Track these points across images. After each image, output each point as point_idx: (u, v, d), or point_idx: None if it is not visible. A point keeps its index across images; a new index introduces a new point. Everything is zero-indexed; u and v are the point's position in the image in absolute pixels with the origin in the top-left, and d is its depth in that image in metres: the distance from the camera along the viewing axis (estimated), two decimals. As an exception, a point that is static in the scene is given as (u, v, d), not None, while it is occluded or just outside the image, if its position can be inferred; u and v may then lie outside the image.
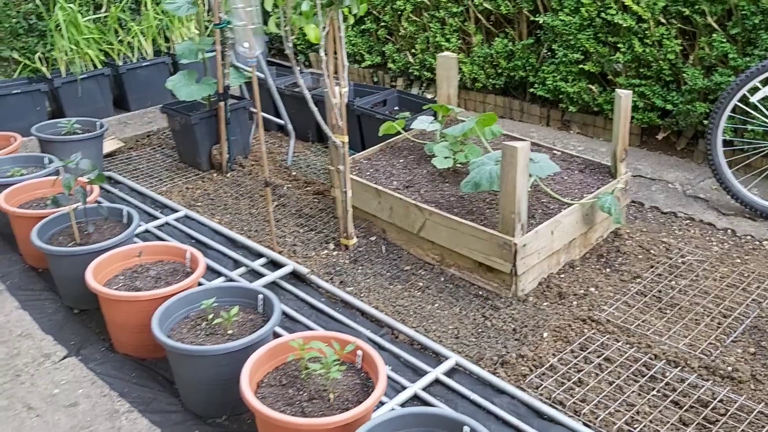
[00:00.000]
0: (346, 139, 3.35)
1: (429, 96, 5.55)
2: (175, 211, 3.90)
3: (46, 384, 2.57)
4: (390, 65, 5.72)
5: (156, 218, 3.80)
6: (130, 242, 3.09)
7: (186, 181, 4.38)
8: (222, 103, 4.28)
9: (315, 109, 3.31)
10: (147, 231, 3.63)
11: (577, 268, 3.30)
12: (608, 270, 3.29)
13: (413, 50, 5.50)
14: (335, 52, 3.20)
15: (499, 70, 4.97)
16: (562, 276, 3.25)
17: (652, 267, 3.28)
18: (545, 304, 3.06)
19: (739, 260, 3.30)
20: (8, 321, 2.97)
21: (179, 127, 4.49)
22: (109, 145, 4.74)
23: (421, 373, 2.60)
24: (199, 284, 2.86)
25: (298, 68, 3.15)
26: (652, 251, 3.41)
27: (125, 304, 2.63)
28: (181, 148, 4.61)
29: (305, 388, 2.20)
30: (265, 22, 3.02)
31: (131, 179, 4.39)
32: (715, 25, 3.84)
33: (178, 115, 4.42)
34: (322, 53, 3.11)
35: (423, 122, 3.87)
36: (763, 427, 2.31)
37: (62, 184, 2.95)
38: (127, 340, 2.72)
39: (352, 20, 3.31)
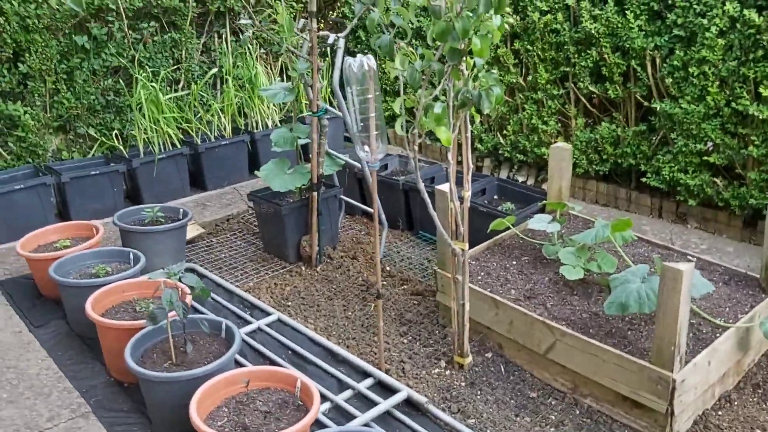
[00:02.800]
0: (466, 246, 3.00)
1: (520, 179, 5.22)
2: (265, 313, 3.59)
3: None
4: (477, 145, 5.42)
5: (246, 321, 3.50)
6: (231, 365, 2.76)
7: (273, 275, 4.07)
8: (315, 193, 4.00)
9: (434, 214, 2.98)
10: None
11: (735, 403, 2.86)
12: (771, 405, 2.85)
13: (504, 131, 5.20)
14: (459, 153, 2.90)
15: (604, 156, 4.62)
16: (720, 413, 2.81)
17: (824, 404, 2.82)
18: (706, 450, 2.62)
19: None
20: (95, 453, 2.65)
21: (266, 216, 4.22)
22: (189, 232, 4.49)
23: None
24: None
25: (416, 163, 2.81)
26: (819, 382, 2.95)
27: (236, 453, 2.29)
28: (267, 237, 4.33)
29: None
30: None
31: (214, 271, 4.11)
32: None
33: (266, 204, 4.16)
34: (449, 157, 2.81)
35: (541, 222, 3.51)
36: None
37: (163, 300, 2.65)
38: (233, 490, 2.36)
39: (478, 119, 3.02)
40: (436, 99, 2.61)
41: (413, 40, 2.71)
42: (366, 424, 2.71)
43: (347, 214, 4.84)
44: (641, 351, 2.77)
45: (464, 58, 2.58)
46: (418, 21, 5.23)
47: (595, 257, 3.23)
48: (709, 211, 4.26)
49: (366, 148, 2.77)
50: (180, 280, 2.73)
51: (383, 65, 2.68)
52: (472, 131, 5.42)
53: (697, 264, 3.41)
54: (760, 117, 3.73)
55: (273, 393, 2.63)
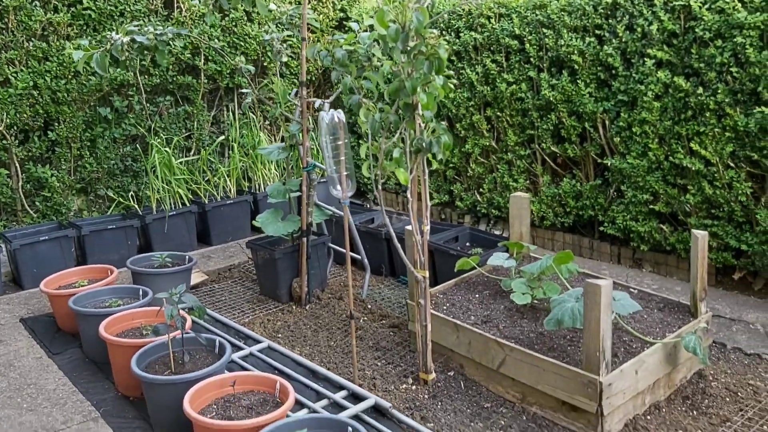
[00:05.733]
0: (426, 273, 3.48)
1: (496, 232, 5.72)
2: (258, 341, 4.04)
3: None
4: (458, 203, 5.95)
5: (240, 348, 3.94)
6: (222, 372, 3.21)
7: (267, 313, 4.55)
8: (305, 239, 4.52)
9: (398, 246, 3.49)
10: (232, 361, 3.75)
11: (663, 410, 3.24)
12: (695, 413, 3.22)
13: (481, 189, 5.74)
14: (419, 194, 3.42)
15: (568, 209, 5.13)
16: (649, 418, 3.19)
17: (740, 410, 3.20)
18: (633, 446, 3.00)
19: (834, 405, 3.20)
20: (103, 448, 3.07)
21: (262, 261, 4.72)
22: (194, 278, 4.99)
23: None
24: (287, 416, 2.93)
25: (382, 208, 3.35)
26: (739, 394, 3.33)
27: (221, 434, 2.71)
28: (263, 281, 4.82)
29: None
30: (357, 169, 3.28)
31: (215, 310, 4.59)
32: (785, 169, 3.95)
33: (262, 250, 4.67)
34: (408, 194, 3.33)
35: (499, 258, 3.99)
36: None
37: (165, 314, 3.14)
38: (218, 470, 2.77)
39: (435, 164, 3.56)
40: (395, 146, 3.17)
41: (379, 102, 3.29)
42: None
43: (336, 263, 5.33)
44: (577, 362, 3.19)
45: (417, 112, 3.15)
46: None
47: (542, 286, 3.70)
48: (661, 255, 4.72)
49: (338, 187, 3.31)
50: (179, 299, 3.22)
51: (357, 119, 3.24)
52: (451, 190, 5.98)
53: (637, 295, 3.85)
54: (693, 169, 4.25)
55: (256, 394, 3.07)
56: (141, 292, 4.16)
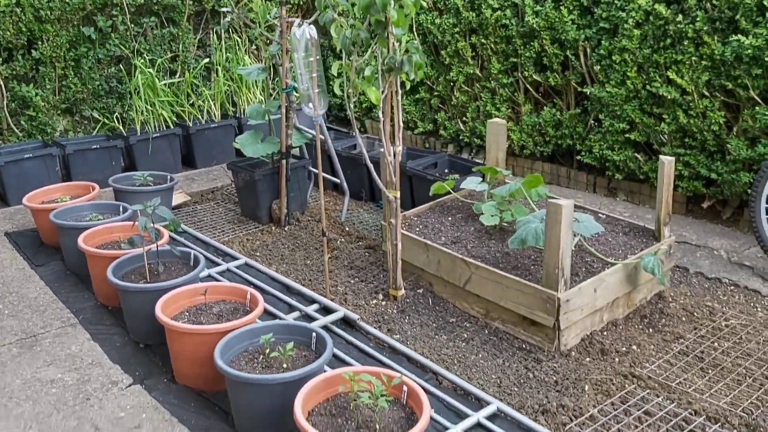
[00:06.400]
0: (398, 194, 3.56)
1: (478, 161, 5.77)
2: (235, 259, 4.15)
3: (113, 408, 2.77)
4: (441, 132, 5.98)
5: (218, 265, 4.05)
6: (195, 283, 3.32)
7: (246, 233, 4.65)
8: (284, 162, 4.57)
9: (371, 166, 3.55)
10: (209, 276, 3.87)
11: (620, 327, 3.38)
12: (651, 330, 3.36)
13: (464, 118, 5.76)
14: (392, 115, 3.46)
15: (547, 138, 5.17)
16: (605, 333, 3.33)
17: (695, 329, 3.33)
18: (587, 359, 3.13)
19: (783, 325, 3.33)
20: (80, 351, 3.21)
21: (243, 183, 4.79)
22: (177, 198, 5.07)
23: (463, 416, 2.70)
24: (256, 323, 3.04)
25: (356, 131, 3.40)
26: (695, 314, 3.46)
27: (190, 336, 2.84)
28: (244, 202, 4.91)
29: (353, 418, 2.33)
30: (329, 87, 3.32)
31: (196, 229, 4.68)
32: (758, 99, 3.98)
33: (243, 172, 4.73)
34: (380, 114, 3.37)
35: (472, 183, 4.06)
36: (804, 484, 2.32)
37: (139, 226, 3.22)
38: (188, 372, 2.91)
39: (408, 85, 3.59)
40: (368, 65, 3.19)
41: (352, 19, 3.28)
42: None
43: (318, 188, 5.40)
44: (538, 280, 3.30)
45: (389, 30, 3.15)
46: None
47: (510, 208, 3.78)
48: (635, 184, 4.80)
49: (311, 104, 3.34)
50: (154, 211, 3.29)
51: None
52: (435, 119, 5.99)
53: (605, 219, 3.95)
54: (669, 97, 4.27)
55: (227, 303, 3.18)
56: (121, 208, 4.24)
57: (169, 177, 4.80)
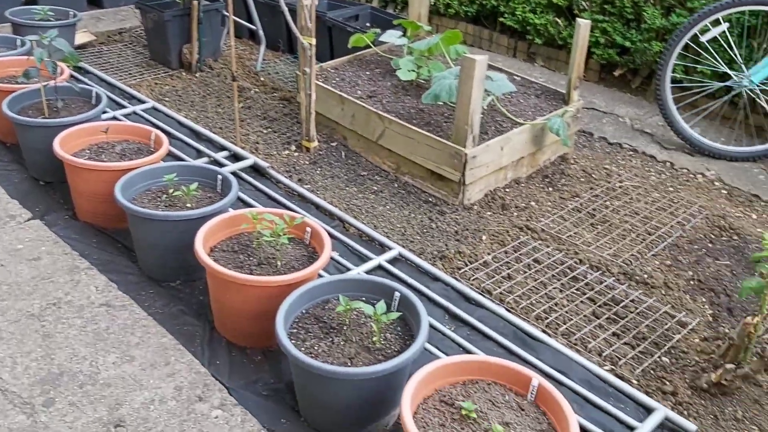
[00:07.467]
0: (313, 41, 3.45)
1: (402, 17, 5.62)
2: (142, 101, 3.99)
3: (10, 240, 2.71)
4: (367, -15, 5.76)
5: (124, 107, 3.89)
6: (97, 120, 3.19)
7: (155, 77, 4.45)
8: (195, 3, 4.32)
9: (286, 10, 3.41)
10: (114, 118, 3.71)
11: (522, 185, 3.51)
12: (551, 189, 3.51)
13: (391, -28, 5.55)
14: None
15: (472, -2, 5.07)
16: (507, 190, 3.46)
17: (591, 189, 3.51)
18: (488, 213, 3.27)
19: (672, 189, 3.55)
20: (-26, 186, 3.08)
21: (152, 24, 4.52)
22: (81, 37, 4.75)
23: (366, 259, 2.81)
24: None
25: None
26: (593, 176, 3.63)
27: (90, 173, 2.76)
28: (153, 45, 4.65)
29: (255, 255, 2.38)
30: None
31: (101, 71, 4.44)
32: (679, -32, 4.00)
33: (152, 11, 4.45)
34: (296, -48, 3.19)
35: (392, 36, 3.98)
36: (665, 323, 2.58)
37: (35, 57, 3.02)
38: (89, 208, 2.86)
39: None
40: None
41: None
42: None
43: (235, 37, 5.16)
44: (449, 136, 3.35)
45: None
46: None
47: (428, 65, 3.75)
48: (553, 50, 4.83)
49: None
50: (51, 42, 3.08)
51: None
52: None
53: (519, 81, 3.99)
54: (594, -39, 4.23)
55: (131, 144, 3.09)
56: (19, 42, 3.95)
57: (72, 13, 4.47)
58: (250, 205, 3.09)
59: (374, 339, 2.06)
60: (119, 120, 3.70)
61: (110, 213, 2.78)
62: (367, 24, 4.86)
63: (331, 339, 2.06)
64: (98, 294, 2.48)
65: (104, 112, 3.50)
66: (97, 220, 2.87)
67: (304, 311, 2.16)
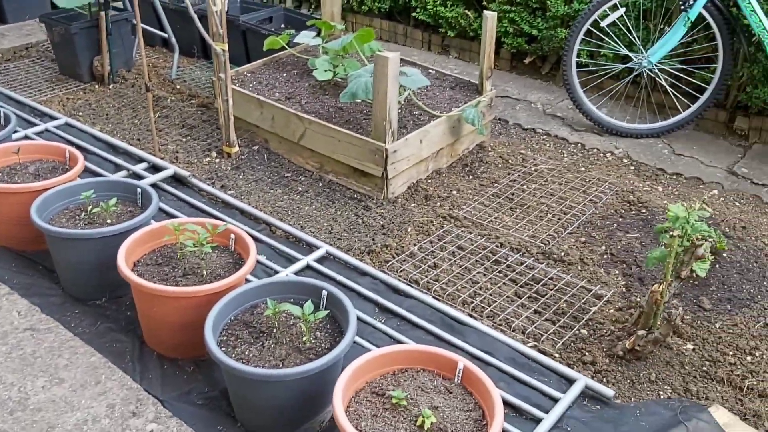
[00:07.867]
0: (225, 47, 3.45)
1: (317, 17, 5.65)
2: (54, 119, 3.89)
3: None
4: (280, -14, 5.76)
5: (35, 125, 3.78)
6: (9, 142, 3.11)
7: (67, 92, 4.34)
8: (103, 13, 4.23)
9: (195, 17, 3.39)
10: (26, 137, 3.61)
11: (443, 175, 3.61)
12: (470, 177, 3.62)
13: (302, -28, 5.56)
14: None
15: (385, -6, 5.15)
16: (429, 181, 3.55)
17: (508, 174, 3.64)
18: (412, 205, 3.35)
19: (584, 168, 3.72)
20: None
21: (59, 38, 4.40)
22: (-18, 55, 4.59)
23: (293, 260, 2.84)
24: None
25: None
26: (510, 161, 3.77)
27: (4, 196, 2.70)
28: (61, 60, 4.53)
29: (180, 266, 2.39)
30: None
31: (9, 89, 4.30)
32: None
33: (57, 25, 4.33)
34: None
35: (306, 37, 4.01)
36: (582, 297, 2.72)
37: (-68, 81, 2.91)
38: (5, 232, 2.79)
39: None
40: None
41: None
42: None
43: (147, 45, 5.08)
44: (369, 133, 3.41)
45: None
46: None
47: (343, 63, 3.80)
48: (466, 42, 4.96)
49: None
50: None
51: None
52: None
53: (434, 75, 4.08)
54: (497, -47, 4.36)
55: (45, 163, 3.02)
56: None
57: (-30, 30, 4.31)
58: (173, 216, 3.08)
59: (304, 339, 2.10)
60: (31, 139, 3.60)
61: (28, 235, 2.72)
62: (282, 26, 4.86)
63: (261, 343, 2.09)
64: (21, 319, 2.44)
65: (15, 132, 3.41)
66: (15, 243, 2.80)
67: (232, 318, 2.19)
